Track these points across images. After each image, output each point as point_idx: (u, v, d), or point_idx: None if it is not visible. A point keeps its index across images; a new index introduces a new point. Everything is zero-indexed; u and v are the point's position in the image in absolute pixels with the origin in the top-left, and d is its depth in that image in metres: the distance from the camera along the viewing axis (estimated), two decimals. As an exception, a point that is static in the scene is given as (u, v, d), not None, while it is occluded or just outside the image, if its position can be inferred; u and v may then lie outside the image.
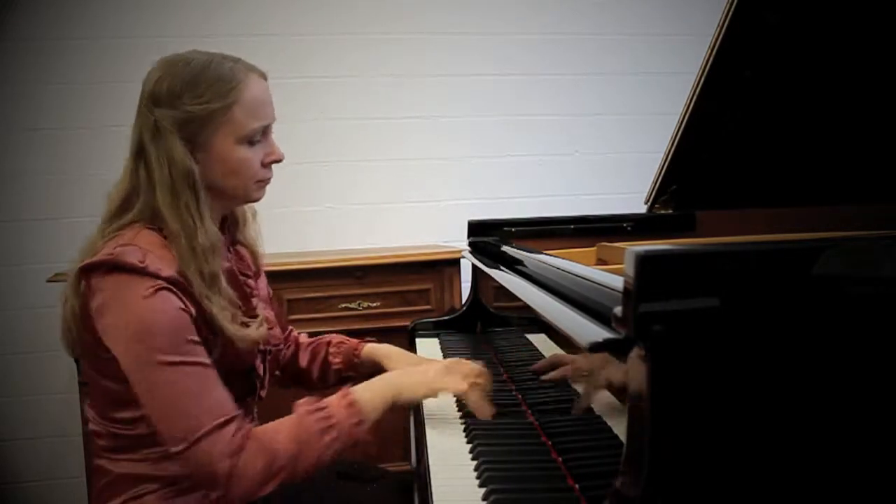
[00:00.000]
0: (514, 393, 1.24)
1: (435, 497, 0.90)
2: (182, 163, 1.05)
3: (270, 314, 1.27)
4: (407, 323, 1.84)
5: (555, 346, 1.07)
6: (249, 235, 1.27)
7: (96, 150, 2.37)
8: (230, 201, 1.17)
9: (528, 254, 1.26)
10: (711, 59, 1.36)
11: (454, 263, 2.27)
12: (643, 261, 0.60)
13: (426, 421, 1.18)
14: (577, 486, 0.87)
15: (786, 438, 0.63)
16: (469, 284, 1.83)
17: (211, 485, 1.00)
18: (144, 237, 1.05)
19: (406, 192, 2.65)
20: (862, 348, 0.63)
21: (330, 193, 2.61)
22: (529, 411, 1.15)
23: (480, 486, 0.91)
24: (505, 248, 1.45)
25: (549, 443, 1.01)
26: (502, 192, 2.68)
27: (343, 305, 2.22)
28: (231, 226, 1.23)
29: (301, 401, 1.08)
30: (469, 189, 2.67)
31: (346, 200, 2.62)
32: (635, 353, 0.63)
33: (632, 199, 1.94)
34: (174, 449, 0.99)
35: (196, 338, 1.02)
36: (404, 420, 1.27)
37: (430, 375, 1.16)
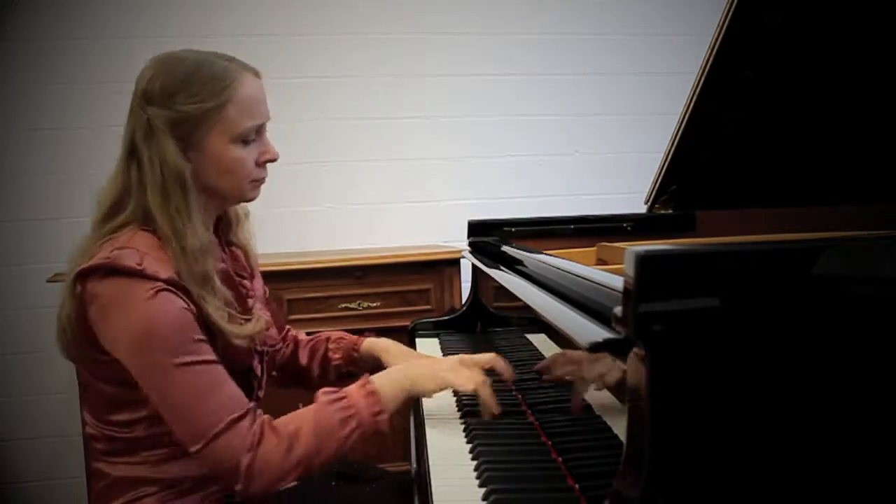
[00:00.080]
0: (514, 393, 1.24)
1: (435, 497, 0.90)
2: (173, 163, 1.05)
3: (267, 314, 1.27)
4: (407, 323, 1.83)
5: (555, 346, 1.07)
6: (243, 236, 1.26)
7: (96, 150, 2.36)
8: (225, 201, 1.17)
9: (528, 254, 1.26)
10: (711, 59, 1.36)
11: (454, 263, 2.27)
12: (643, 261, 0.60)
13: (426, 421, 1.17)
14: (577, 486, 0.87)
15: (786, 438, 0.63)
16: (469, 284, 1.83)
17: (232, 479, 0.99)
18: (140, 239, 1.04)
19: (406, 192, 2.65)
20: (862, 348, 0.63)
21: (330, 193, 2.61)
22: (529, 411, 1.15)
23: (480, 486, 0.91)
24: (505, 248, 1.45)
25: (549, 443, 1.01)
26: (502, 192, 2.68)
27: (343, 305, 2.22)
28: (225, 227, 1.23)
29: (322, 390, 1.08)
30: (469, 189, 2.67)
31: (346, 200, 2.62)
32: (635, 353, 0.63)
33: (632, 199, 1.95)
34: (193, 448, 0.99)
35: (201, 336, 1.02)
36: (404, 420, 1.27)
37: (442, 367, 1.15)
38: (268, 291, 1.36)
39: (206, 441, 0.98)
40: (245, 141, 1.10)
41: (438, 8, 2.62)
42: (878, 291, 0.65)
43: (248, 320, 1.14)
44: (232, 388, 1.02)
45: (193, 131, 1.06)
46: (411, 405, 1.23)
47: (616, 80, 2.73)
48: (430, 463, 1.00)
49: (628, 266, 0.62)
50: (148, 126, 1.05)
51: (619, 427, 0.74)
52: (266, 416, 1.03)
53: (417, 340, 1.73)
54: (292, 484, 1.02)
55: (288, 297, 2.18)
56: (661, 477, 0.61)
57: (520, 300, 1.14)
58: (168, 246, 1.04)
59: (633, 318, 0.61)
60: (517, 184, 2.70)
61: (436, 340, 1.71)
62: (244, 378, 1.16)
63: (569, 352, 0.99)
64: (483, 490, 0.89)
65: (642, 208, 1.75)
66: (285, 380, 1.44)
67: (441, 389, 1.14)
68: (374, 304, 2.23)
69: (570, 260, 1.05)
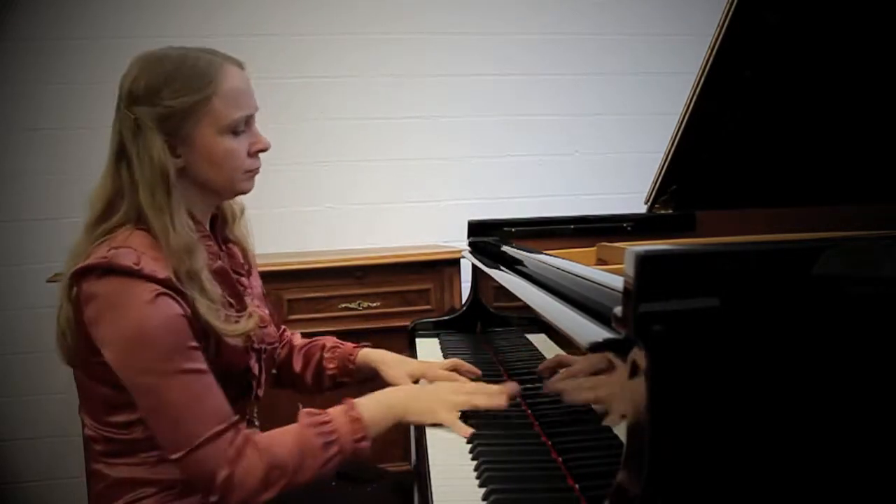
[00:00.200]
0: (520, 404, 1.24)
1: (435, 497, 0.90)
2: (159, 160, 1.05)
3: (265, 312, 1.27)
4: (407, 323, 1.83)
5: (555, 346, 1.07)
6: (239, 232, 1.26)
7: (96, 150, 2.32)
8: (219, 195, 1.17)
9: (528, 254, 1.26)
10: (711, 59, 1.36)
11: (454, 263, 2.27)
12: (643, 261, 0.60)
13: (426, 421, 1.17)
14: (577, 486, 0.87)
15: (786, 438, 0.63)
16: (469, 284, 1.83)
17: (208, 491, 1.00)
18: (137, 239, 1.04)
19: (406, 192, 2.65)
20: (862, 348, 0.63)
21: (330, 193, 2.61)
22: (529, 411, 1.15)
23: (480, 486, 0.91)
24: (505, 248, 1.45)
25: (549, 443, 1.01)
26: (502, 192, 2.68)
27: (343, 305, 2.22)
28: (221, 224, 1.23)
29: (304, 410, 1.08)
30: (469, 189, 2.67)
31: (346, 200, 2.62)
32: (635, 353, 0.63)
33: (632, 199, 1.94)
34: (173, 456, 0.99)
35: (195, 343, 1.02)
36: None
37: (438, 404, 1.12)
38: (265, 289, 1.36)
39: (186, 450, 0.98)
40: (235, 132, 1.10)
41: (438, 8, 2.62)
42: (878, 291, 0.65)
43: (241, 314, 1.13)
44: (218, 400, 1.02)
45: (182, 125, 1.07)
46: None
47: (616, 80, 2.73)
48: (430, 463, 1.00)
49: (628, 266, 0.62)
50: (136, 125, 1.05)
51: (619, 427, 0.74)
52: (248, 431, 1.03)
53: (417, 340, 1.72)
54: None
55: (288, 297, 2.18)
56: (661, 477, 0.61)
57: (520, 300, 1.14)
58: (161, 244, 1.04)
59: (633, 318, 0.61)
60: (517, 184, 2.70)
61: (436, 340, 1.71)
62: (242, 378, 1.16)
63: (574, 369, 0.98)
64: (483, 490, 0.89)
65: (642, 208, 1.74)
66: (280, 382, 1.43)
67: (432, 424, 1.12)
68: (374, 304, 2.23)
69: (570, 260, 1.05)
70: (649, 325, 0.60)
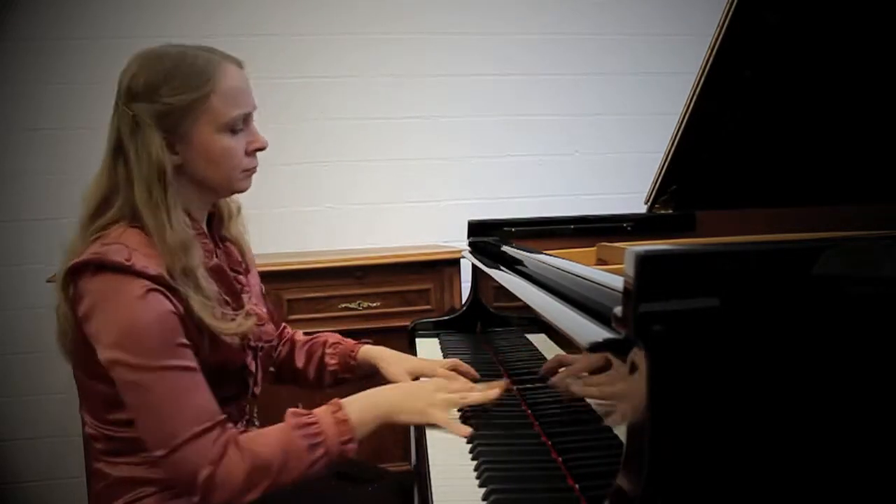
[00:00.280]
0: (514, 393, 1.24)
1: (435, 497, 0.90)
2: (156, 157, 1.05)
3: (263, 310, 1.27)
4: (407, 323, 1.83)
5: (555, 346, 1.07)
6: (236, 230, 1.26)
7: (96, 150, 2.32)
8: (216, 193, 1.17)
9: (528, 254, 1.26)
10: (711, 59, 1.36)
11: (454, 263, 2.27)
12: (643, 261, 0.60)
13: (426, 421, 1.17)
14: (577, 486, 0.87)
15: (785, 438, 0.63)
16: (469, 284, 1.83)
17: (190, 490, 0.99)
18: (129, 236, 1.04)
19: (406, 192, 2.65)
20: (862, 348, 0.63)
21: (330, 193, 2.61)
22: (529, 411, 1.15)
23: (480, 486, 0.91)
24: (505, 248, 1.45)
25: (549, 443, 1.01)
26: (502, 192, 2.68)
27: (343, 305, 2.22)
28: (217, 222, 1.23)
29: (291, 410, 1.07)
30: (469, 189, 2.67)
31: (346, 200, 2.62)
32: (635, 353, 0.63)
33: (632, 199, 1.94)
34: (156, 453, 0.99)
35: (184, 340, 1.02)
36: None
37: (431, 404, 1.12)
38: (264, 287, 1.36)
39: (170, 448, 0.98)
40: (233, 130, 1.10)
41: (438, 8, 2.62)
42: (878, 291, 0.65)
43: (237, 313, 1.13)
44: (205, 399, 1.02)
45: (180, 123, 1.07)
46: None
47: (616, 80, 2.73)
48: (430, 463, 1.00)
49: (628, 266, 0.62)
50: (134, 122, 1.06)
51: (619, 427, 0.74)
52: (234, 431, 1.03)
53: (417, 340, 1.72)
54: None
55: (288, 297, 2.18)
56: (661, 477, 0.61)
57: (520, 300, 1.14)
58: (155, 241, 1.04)
59: (633, 318, 0.61)
60: (517, 184, 2.70)
61: (436, 340, 1.71)
62: (239, 375, 1.16)
63: (575, 368, 0.99)
64: (483, 490, 0.89)
65: (642, 208, 1.74)
66: (281, 377, 1.44)
67: (422, 425, 1.12)
68: (374, 304, 2.23)
69: (570, 260, 1.05)
70: (649, 325, 0.60)
